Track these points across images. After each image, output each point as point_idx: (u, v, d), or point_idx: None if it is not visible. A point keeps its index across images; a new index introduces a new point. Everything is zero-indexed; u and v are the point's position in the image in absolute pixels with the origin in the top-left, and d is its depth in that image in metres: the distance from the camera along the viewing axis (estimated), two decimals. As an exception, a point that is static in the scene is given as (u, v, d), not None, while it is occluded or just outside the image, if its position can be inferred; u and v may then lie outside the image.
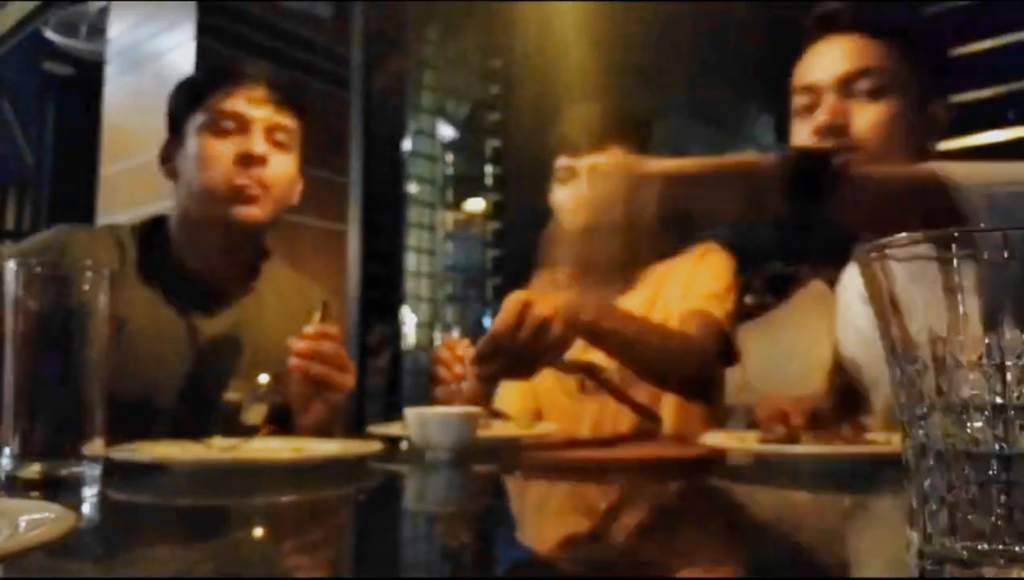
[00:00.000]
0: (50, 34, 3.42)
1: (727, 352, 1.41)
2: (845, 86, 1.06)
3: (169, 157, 1.28)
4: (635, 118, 1.60)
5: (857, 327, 1.25)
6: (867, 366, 1.26)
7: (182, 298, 1.25)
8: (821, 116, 1.06)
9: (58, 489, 0.64)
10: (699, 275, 1.48)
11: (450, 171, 3.24)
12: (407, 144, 3.12)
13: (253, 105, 1.22)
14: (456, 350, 1.35)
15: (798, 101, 1.12)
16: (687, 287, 1.48)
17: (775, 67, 1.28)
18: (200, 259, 1.28)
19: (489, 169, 3.16)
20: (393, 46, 3.09)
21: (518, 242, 2.95)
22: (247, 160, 1.20)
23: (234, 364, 1.24)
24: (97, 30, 3.23)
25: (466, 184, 3.22)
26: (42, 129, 4.25)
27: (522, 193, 2.96)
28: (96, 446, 0.68)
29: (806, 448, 0.79)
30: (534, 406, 1.55)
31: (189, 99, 1.26)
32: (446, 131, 3.28)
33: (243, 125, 1.22)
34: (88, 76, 3.21)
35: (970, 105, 1.83)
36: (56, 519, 0.39)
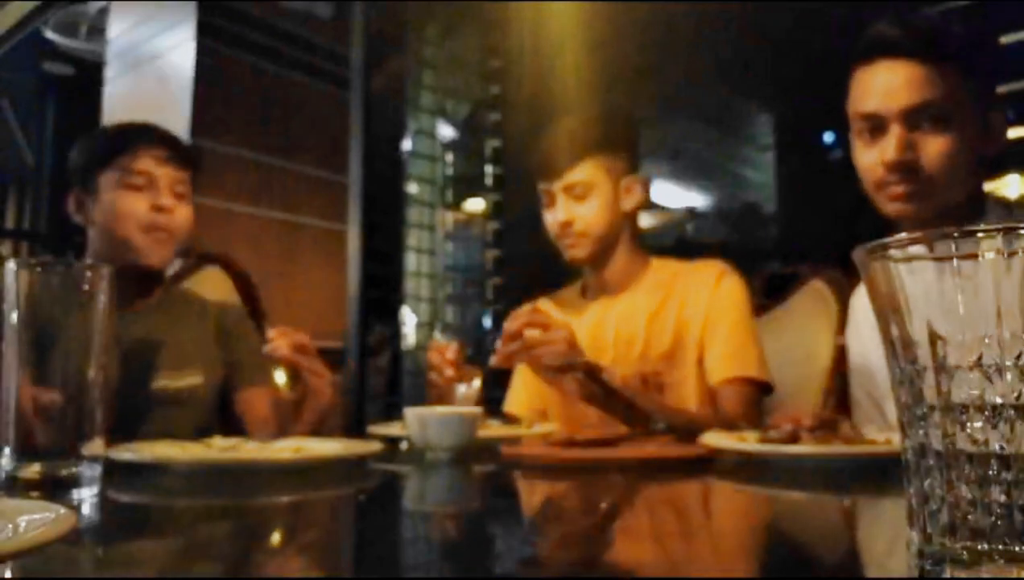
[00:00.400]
0: (50, 34, 3.43)
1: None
2: (910, 118, 1.06)
3: (81, 207, 1.46)
4: (618, 125, 1.59)
5: (875, 328, 1.25)
6: (882, 373, 1.25)
7: None
8: (891, 152, 1.06)
9: (58, 489, 0.64)
10: (721, 306, 1.46)
11: (450, 171, 3.24)
12: (407, 144, 3.12)
13: (158, 165, 1.42)
14: (445, 354, 1.36)
15: (859, 126, 1.12)
16: (710, 317, 1.46)
17: (775, 67, 1.28)
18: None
19: (489, 169, 3.16)
20: (393, 46, 3.09)
21: (518, 242, 2.96)
22: (159, 210, 1.40)
23: (155, 361, 1.41)
24: (97, 30, 3.23)
25: (466, 184, 3.22)
26: (42, 129, 4.25)
27: (522, 193, 2.96)
28: (96, 446, 0.68)
29: (804, 448, 0.79)
30: (540, 406, 1.55)
31: (99, 157, 1.44)
32: (446, 131, 3.29)
33: (151, 182, 1.41)
34: (88, 76, 3.22)
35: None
36: (56, 519, 0.39)
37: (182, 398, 1.38)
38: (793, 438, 0.81)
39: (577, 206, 1.47)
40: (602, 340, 1.50)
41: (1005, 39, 1.78)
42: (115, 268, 1.37)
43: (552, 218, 1.51)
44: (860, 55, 1.11)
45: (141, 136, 1.45)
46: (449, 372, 1.34)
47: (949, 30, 1.09)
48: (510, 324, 1.23)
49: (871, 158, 1.10)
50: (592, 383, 1.27)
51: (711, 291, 1.47)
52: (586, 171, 1.47)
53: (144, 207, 1.39)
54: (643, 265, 1.56)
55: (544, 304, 1.65)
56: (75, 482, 0.65)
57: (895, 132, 1.06)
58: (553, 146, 1.53)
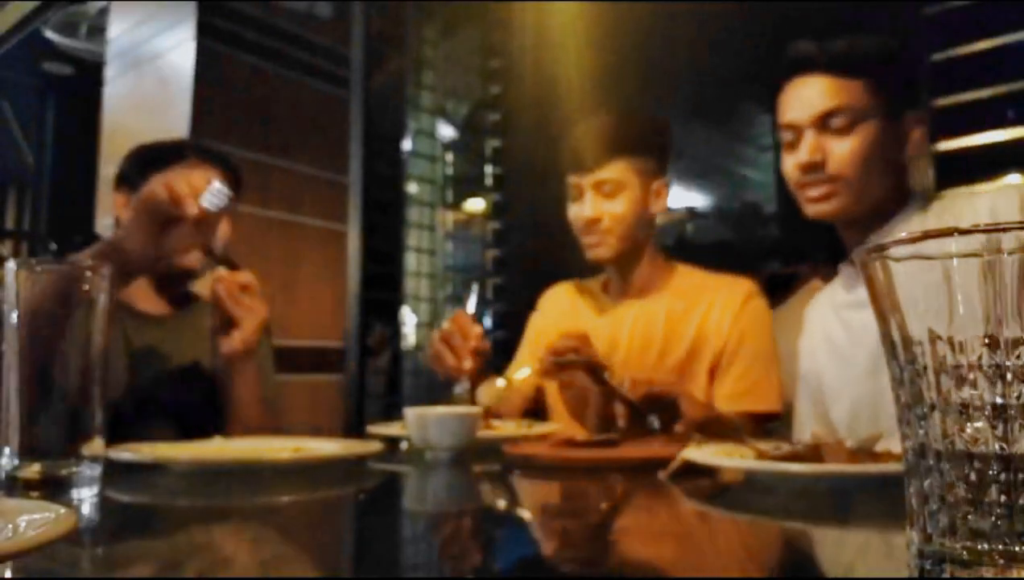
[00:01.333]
0: (50, 34, 3.42)
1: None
2: (821, 123, 1.19)
3: (127, 205, 1.48)
4: (653, 127, 1.59)
5: (830, 338, 1.28)
6: (832, 378, 1.27)
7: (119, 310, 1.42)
8: (803, 154, 1.19)
9: (58, 489, 0.64)
10: (745, 331, 1.46)
11: (450, 171, 3.24)
12: (407, 144, 3.12)
13: (203, 179, 1.41)
14: (467, 330, 1.32)
15: (783, 136, 1.25)
16: (731, 340, 1.45)
17: (775, 67, 1.30)
18: (138, 291, 1.47)
19: (489, 169, 3.16)
20: (393, 46, 3.09)
21: (518, 242, 2.95)
22: (198, 225, 1.39)
23: (162, 372, 1.41)
24: (97, 30, 3.23)
25: (466, 184, 3.21)
26: (42, 129, 4.25)
27: (522, 193, 2.96)
28: (96, 446, 0.68)
29: (795, 467, 0.72)
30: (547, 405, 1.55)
31: (155, 161, 1.47)
32: (446, 131, 3.28)
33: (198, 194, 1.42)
34: (88, 76, 3.22)
35: (970, 105, 1.83)
36: (56, 519, 0.39)
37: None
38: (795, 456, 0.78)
39: (606, 203, 1.46)
40: (617, 341, 1.49)
41: (1005, 39, 1.78)
42: (152, 271, 1.41)
43: (578, 212, 1.49)
44: (783, 72, 1.25)
45: (197, 148, 1.50)
46: (468, 364, 1.31)
47: (859, 48, 1.21)
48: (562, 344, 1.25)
49: (790, 163, 1.23)
50: (593, 380, 1.26)
51: (736, 312, 1.47)
52: (618, 169, 1.47)
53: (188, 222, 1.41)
54: (668, 271, 1.56)
55: (566, 288, 1.65)
56: (75, 482, 0.65)
57: (807, 137, 1.20)
58: (587, 140, 1.51)
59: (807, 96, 1.20)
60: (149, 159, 1.50)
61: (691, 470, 0.76)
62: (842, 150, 1.18)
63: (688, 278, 1.55)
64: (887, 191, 1.22)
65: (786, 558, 0.51)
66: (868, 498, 0.65)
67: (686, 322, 1.48)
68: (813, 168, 1.19)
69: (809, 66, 1.21)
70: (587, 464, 0.93)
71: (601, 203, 1.46)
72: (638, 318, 1.50)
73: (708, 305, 1.49)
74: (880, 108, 1.18)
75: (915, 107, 1.24)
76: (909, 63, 1.32)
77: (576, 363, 1.26)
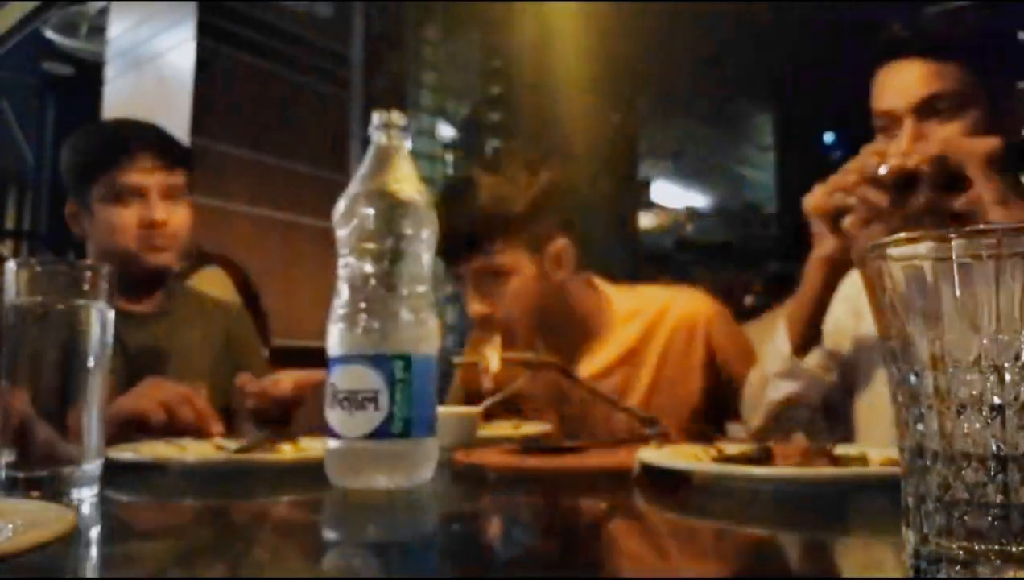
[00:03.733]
0: (50, 34, 3.43)
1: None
2: (922, 111, 1.13)
3: (76, 220, 1.44)
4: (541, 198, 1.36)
5: (837, 324, 1.26)
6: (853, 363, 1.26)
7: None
8: (905, 142, 1.12)
9: (58, 489, 0.64)
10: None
11: (450, 171, 3.24)
12: (407, 144, 3.12)
13: (147, 175, 1.38)
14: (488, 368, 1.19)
15: (878, 123, 1.18)
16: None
17: (775, 67, 1.29)
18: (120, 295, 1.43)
19: (489, 169, 3.15)
20: (393, 46, 3.09)
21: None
22: (148, 225, 1.38)
23: (161, 370, 1.37)
24: (97, 30, 3.23)
25: (466, 184, 3.21)
26: (42, 129, 4.25)
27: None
28: (96, 446, 0.68)
29: (759, 471, 0.70)
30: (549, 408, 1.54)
31: (85, 174, 1.40)
32: (446, 131, 3.28)
33: (141, 192, 1.38)
34: (88, 76, 3.22)
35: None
36: (56, 519, 0.39)
37: None
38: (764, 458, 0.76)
39: (497, 292, 1.32)
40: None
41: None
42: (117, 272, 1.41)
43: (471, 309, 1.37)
44: (878, 58, 1.18)
45: (127, 143, 1.39)
46: (487, 384, 1.21)
47: (955, 28, 1.17)
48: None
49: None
50: (564, 380, 1.26)
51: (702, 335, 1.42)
52: (503, 255, 1.31)
53: (135, 222, 1.36)
54: (605, 304, 1.46)
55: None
56: (75, 482, 0.65)
57: (907, 125, 1.13)
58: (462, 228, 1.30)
59: (904, 82, 1.14)
60: (85, 161, 1.42)
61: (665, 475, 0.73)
62: (946, 136, 1.11)
63: (624, 301, 1.47)
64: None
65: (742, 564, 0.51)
66: (820, 500, 0.65)
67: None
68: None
69: (902, 51, 1.15)
70: (540, 473, 0.86)
71: (492, 294, 1.32)
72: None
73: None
74: (978, 93, 1.12)
75: (1013, 88, 1.17)
76: (1008, 43, 1.24)
77: (548, 365, 1.25)
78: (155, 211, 1.37)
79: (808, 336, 1.21)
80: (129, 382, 1.32)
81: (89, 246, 1.44)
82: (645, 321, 1.43)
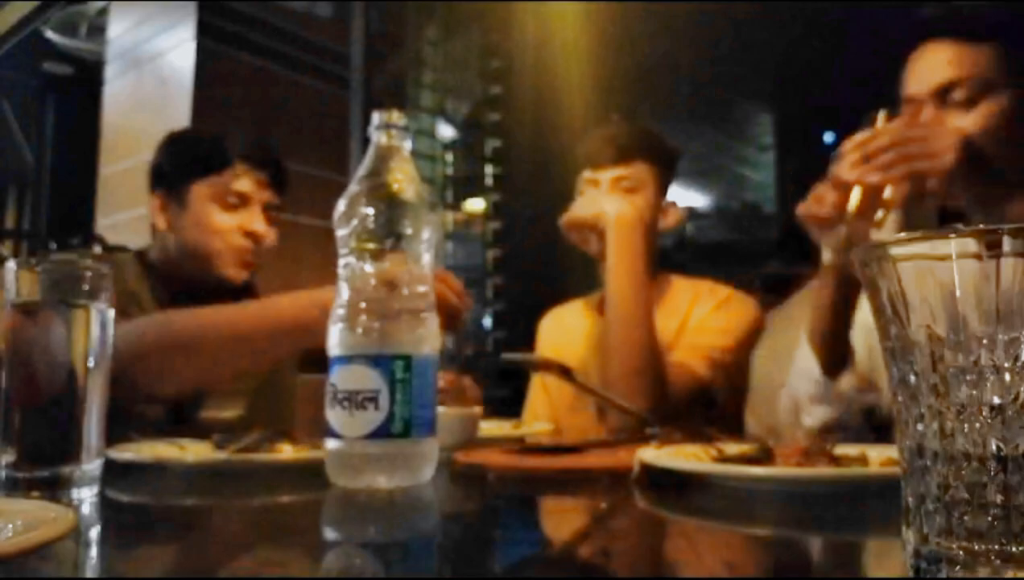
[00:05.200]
0: (50, 34, 3.43)
1: (704, 401, 1.41)
2: (941, 97, 1.08)
3: (164, 211, 1.41)
4: (666, 142, 1.60)
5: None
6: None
7: None
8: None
9: (58, 489, 0.64)
10: (711, 320, 1.48)
11: (450, 171, 3.24)
12: (407, 144, 3.12)
13: (257, 188, 1.41)
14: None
15: (904, 111, 1.14)
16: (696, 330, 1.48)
17: (775, 67, 1.29)
18: (179, 301, 1.40)
19: (489, 169, 3.16)
20: (393, 46, 3.09)
21: (518, 242, 2.95)
22: (252, 236, 1.40)
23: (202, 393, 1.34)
24: (97, 30, 3.23)
25: (466, 184, 3.22)
26: (42, 129, 4.25)
27: (522, 193, 2.96)
28: (96, 446, 0.68)
29: (759, 471, 0.70)
30: (552, 414, 1.54)
31: (191, 169, 1.40)
32: (446, 131, 3.29)
33: (246, 201, 1.40)
34: (88, 76, 3.22)
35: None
36: (56, 519, 0.39)
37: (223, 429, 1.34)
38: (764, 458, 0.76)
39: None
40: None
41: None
42: (188, 281, 1.39)
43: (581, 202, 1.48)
44: (908, 43, 1.14)
45: (242, 152, 1.41)
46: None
47: (984, 11, 1.10)
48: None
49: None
50: (567, 383, 1.25)
51: (712, 310, 1.49)
52: (640, 170, 1.49)
53: (236, 226, 1.37)
54: (664, 284, 1.56)
55: (559, 315, 1.65)
56: (75, 482, 0.65)
57: (927, 113, 1.09)
58: (611, 139, 1.52)
59: (926, 68, 1.10)
60: (191, 163, 1.41)
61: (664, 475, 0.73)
62: (964, 125, 1.06)
63: (680, 289, 1.55)
64: (1012, 173, 1.08)
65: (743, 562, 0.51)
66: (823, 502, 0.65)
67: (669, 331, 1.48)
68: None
69: (928, 34, 1.11)
70: (540, 473, 0.86)
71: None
72: None
73: (689, 305, 1.50)
74: (1005, 78, 1.07)
75: None
76: None
77: (549, 367, 1.25)
78: (257, 223, 1.40)
79: (837, 352, 1.16)
80: (176, 403, 1.28)
81: (163, 245, 1.42)
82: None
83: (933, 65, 1.10)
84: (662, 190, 1.53)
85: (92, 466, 0.67)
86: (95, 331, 0.69)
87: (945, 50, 1.09)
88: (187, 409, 1.30)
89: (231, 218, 1.38)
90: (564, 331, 1.61)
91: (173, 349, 1.11)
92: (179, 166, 1.42)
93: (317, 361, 0.78)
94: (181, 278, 1.41)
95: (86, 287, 0.69)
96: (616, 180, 1.48)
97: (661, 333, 1.45)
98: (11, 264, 0.69)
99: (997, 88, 1.06)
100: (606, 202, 1.42)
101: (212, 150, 1.42)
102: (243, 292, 1.44)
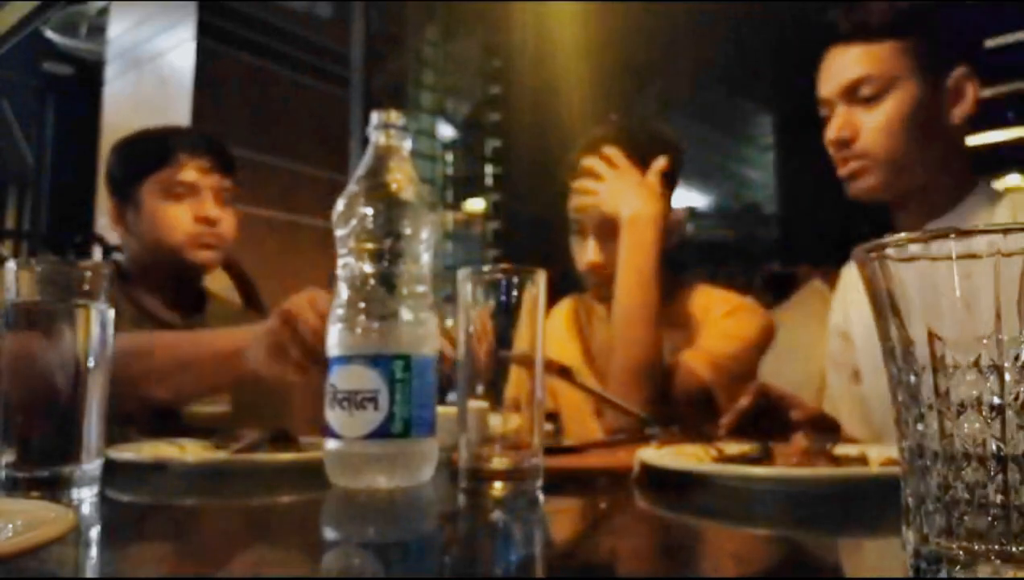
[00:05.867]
0: (50, 34, 3.43)
1: (705, 405, 1.41)
2: (849, 96, 1.12)
3: (121, 218, 1.46)
4: (667, 140, 1.56)
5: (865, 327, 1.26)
6: (867, 356, 1.26)
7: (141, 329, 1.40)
8: (831, 131, 1.14)
9: (58, 489, 0.64)
10: (720, 327, 1.47)
11: (450, 171, 3.24)
12: (407, 144, 3.12)
13: (203, 175, 1.43)
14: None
15: (822, 112, 1.19)
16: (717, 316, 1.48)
17: (775, 67, 1.30)
18: (154, 298, 1.45)
19: (489, 169, 3.16)
20: (393, 46, 3.09)
21: (518, 242, 2.95)
22: (204, 221, 1.42)
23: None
24: (97, 30, 3.24)
25: (466, 184, 3.22)
26: (42, 129, 4.25)
27: (522, 193, 2.96)
28: (96, 446, 0.68)
29: (759, 471, 0.70)
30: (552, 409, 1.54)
31: (137, 171, 1.43)
32: (446, 131, 3.28)
33: (195, 190, 1.42)
34: (88, 76, 3.22)
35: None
36: (56, 519, 0.39)
37: (209, 425, 1.27)
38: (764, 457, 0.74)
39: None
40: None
41: (1005, 39, 1.78)
42: (165, 282, 1.42)
43: (581, 248, 1.49)
44: (818, 46, 1.19)
45: (183, 144, 1.44)
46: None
47: (883, 8, 1.13)
48: None
49: (826, 138, 1.17)
50: (568, 384, 1.26)
51: (721, 317, 1.48)
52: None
53: (189, 217, 1.40)
54: (679, 288, 1.56)
55: (564, 312, 1.64)
56: (75, 482, 0.65)
57: (838, 113, 1.14)
58: (607, 142, 1.49)
59: (835, 68, 1.15)
60: (137, 161, 1.45)
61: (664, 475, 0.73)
62: (872, 122, 1.10)
63: (694, 297, 1.54)
64: (937, 163, 1.12)
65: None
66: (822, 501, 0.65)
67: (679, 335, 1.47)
68: (841, 145, 1.13)
69: (834, 37, 1.15)
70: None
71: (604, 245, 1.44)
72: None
73: (702, 311, 1.50)
74: (915, 70, 1.10)
75: (963, 61, 1.13)
76: (948, 14, 1.22)
77: (550, 364, 1.25)
78: (209, 208, 1.41)
79: None
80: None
81: (131, 250, 1.47)
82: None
83: (841, 66, 1.14)
84: (667, 199, 1.50)
85: (92, 466, 0.67)
86: (95, 331, 0.69)
87: (851, 50, 1.13)
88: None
89: (182, 208, 1.40)
90: (553, 331, 1.60)
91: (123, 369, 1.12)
92: (126, 170, 1.46)
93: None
94: (155, 276, 1.45)
95: (86, 287, 0.69)
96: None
97: (671, 336, 1.45)
98: (11, 264, 0.69)
99: (901, 81, 1.10)
100: (625, 196, 1.40)
101: (153, 148, 1.45)
102: (198, 286, 1.49)
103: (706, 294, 1.56)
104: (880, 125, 1.10)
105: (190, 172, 1.41)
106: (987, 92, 1.81)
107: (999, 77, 1.79)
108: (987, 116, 1.81)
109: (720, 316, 1.49)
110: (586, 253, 1.48)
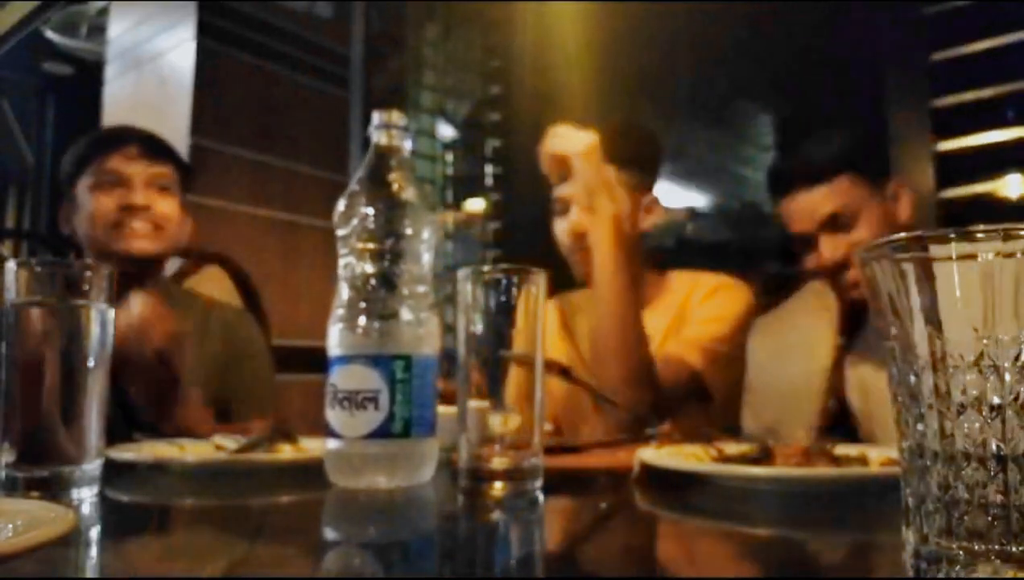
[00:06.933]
0: (50, 34, 3.42)
1: (699, 394, 1.42)
2: (830, 227, 1.30)
3: (68, 220, 1.45)
4: (636, 138, 1.58)
5: None
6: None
7: None
8: (827, 259, 1.31)
9: (58, 489, 0.64)
10: (703, 311, 1.49)
11: (450, 171, 3.24)
12: (407, 144, 3.12)
13: (129, 162, 1.41)
14: None
15: (797, 245, 1.37)
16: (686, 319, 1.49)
17: (775, 67, 1.31)
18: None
19: (489, 169, 3.16)
20: (393, 46, 3.09)
21: (518, 242, 2.95)
22: (130, 209, 1.39)
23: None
24: (97, 30, 3.23)
25: (466, 184, 3.21)
26: (42, 129, 4.25)
27: (522, 193, 2.96)
28: (95, 446, 0.68)
29: (762, 471, 0.70)
30: (553, 413, 1.54)
31: (76, 165, 1.44)
32: (446, 131, 3.28)
33: (124, 180, 1.40)
34: (88, 76, 3.21)
35: (970, 105, 1.83)
36: (56, 519, 0.39)
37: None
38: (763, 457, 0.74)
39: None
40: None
41: (1005, 39, 1.78)
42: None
43: (562, 227, 1.48)
44: (776, 192, 1.38)
45: (114, 139, 1.44)
46: None
47: (825, 152, 1.33)
48: None
49: (816, 263, 1.35)
50: (564, 380, 1.26)
51: (703, 298, 1.50)
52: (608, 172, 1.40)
53: (114, 206, 1.38)
54: (660, 284, 1.57)
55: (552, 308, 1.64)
56: (75, 482, 0.65)
57: (823, 241, 1.31)
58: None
59: (807, 207, 1.31)
60: (75, 159, 1.45)
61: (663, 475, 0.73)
62: (858, 240, 1.27)
63: (678, 284, 1.55)
64: None
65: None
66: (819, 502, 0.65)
67: (664, 326, 1.49)
68: (841, 268, 1.31)
69: (792, 181, 1.33)
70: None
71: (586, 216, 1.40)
72: None
73: (684, 298, 1.51)
74: (869, 191, 1.31)
75: (888, 176, 1.36)
76: (879, 147, 1.47)
77: (549, 363, 1.25)
78: (135, 196, 1.39)
79: None
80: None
81: (81, 246, 1.45)
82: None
83: (811, 205, 1.31)
84: (641, 190, 1.50)
85: (92, 466, 0.67)
86: (95, 331, 0.69)
87: (814, 192, 1.30)
88: (136, 415, 1.29)
89: (111, 198, 1.39)
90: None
91: None
92: (67, 171, 1.46)
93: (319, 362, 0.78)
94: None
95: (86, 287, 0.69)
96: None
97: (656, 328, 1.45)
98: (11, 264, 0.69)
99: (865, 203, 1.30)
100: (586, 197, 1.38)
101: (86, 146, 1.45)
102: (146, 271, 1.43)
103: (688, 279, 1.56)
104: (865, 242, 1.22)
105: (116, 160, 1.40)
106: (987, 92, 1.81)
107: (999, 77, 1.79)
108: (987, 116, 1.81)
109: (702, 299, 1.50)
110: (567, 226, 1.47)
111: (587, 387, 1.28)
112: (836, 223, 1.30)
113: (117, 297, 1.35)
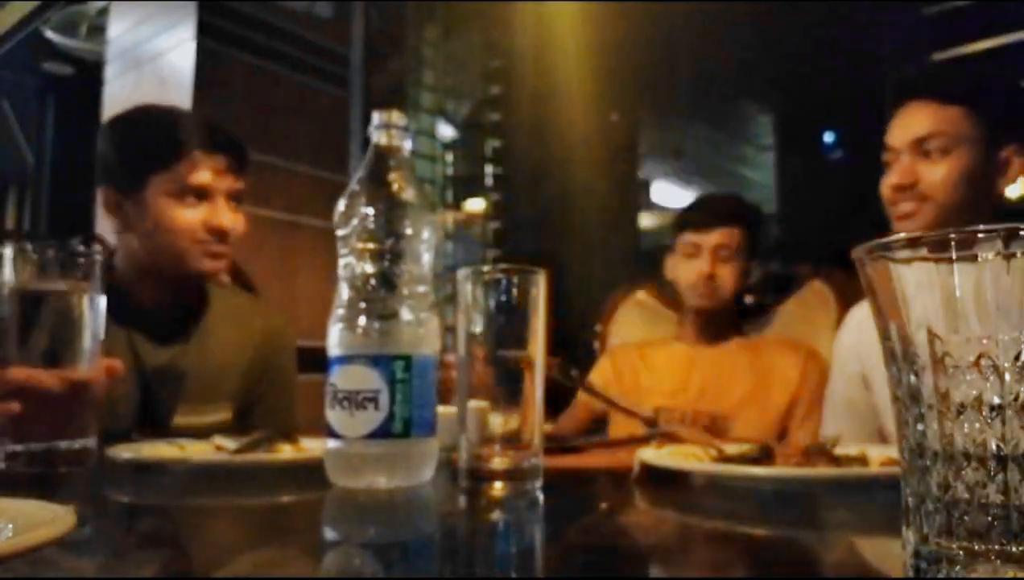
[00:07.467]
0: (50, 34, 3.42)
1: None
2: (917, 148, 1.23)
3: (119, 209, 1.30)
4: (748, 205, 1.81)
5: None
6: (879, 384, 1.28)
7: (128, 328, 1.28)
8: (894, 176, 1.24)
9: (58, 489, 0.64)
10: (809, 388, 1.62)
11: (450, 171, 3.24)
12: (407, 144, 3.12)
13: (218, 177, 1.29)
14: None
15: (885, 159, 1.29)
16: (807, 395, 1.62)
17: (775, 67, 1.31)
18: (148, 298, 1.32)
19: (489, 169, 3.15)
20: (393, 46, 3.09)
21: (518, 242, 2.95)
22: (215, 232, 1.28)
23: (178, 393, 1.28)
24: (97, 30, 3.23)
25: (466, 184, 3.21)
26: (42, 129, 4.25)
27: (522, 193, 2.96)
28: (95, 445, 0.68)
29: (758, 470, 0.70)
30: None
31: (143, 163, 1.28)
32: (446, 131, 3.28)
33: (208, 194, 1.28)
34: (88, 76, 3.21)
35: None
36: (56, 519, 0.39)
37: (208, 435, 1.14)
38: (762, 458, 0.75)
39: (721, 265, 1.67)
40: (688, 381, 1.68)
41: (1005, 40, 1.78)
42: (163, 282, 1.31)
43: (693, 269, 1.68)
44: (891, 101, 1.31)
45: (196, 138, 1.29)
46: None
47: (961, 75, 1.26)
48: None
49: (886, 183, 1.27)
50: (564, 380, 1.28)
51: (801, 368, 1.63)
52: (735, 236, 1.68)
53: (200, 223, 1.27)
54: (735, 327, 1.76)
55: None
56: (69, 458, 0.65)
57: (902, 161, 1.24)
58: (711, 206, 1.76)
59: (906, 122, 1.26)
60: (143, 152, 1.29)
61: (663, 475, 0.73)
62: (933, 175, 1.21)
63: (751, 335, 1.76)
64: (977, 218, 1.18)
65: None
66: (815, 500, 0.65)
67: (752, 370, 1.66)
68: (902, 189, 1.24)
69: (910, 93, 1.27)
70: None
71: (717, 264, 1.68)
72: (711, 362, 1.70)
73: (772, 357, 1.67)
74: (977, 137, 1.21)
75: (1013, 143, 1.25)
76: (1013, 94, 1.34)
77: (570, 381, 1.31)
78: (223, 217, 1.28)
79: None
80: (143, 406, 1.23)
81: (127, 246, 1.33)
82: None
83: (912, 120, 1.24)
84: (749, 254, 1.71)
85: (86, 441, 0.67)
86: (87, 316, 0.69)
87: (923, 108, 1.24)
88: (156, 414, 1.25)
89: (194, 213, 1.26)
90: (651, 368, 1.76)
91: None
92: (130, 160, 1.30)
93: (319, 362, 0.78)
94: (151, 275, 1.32)
95: (79, 274, 0.69)
96: (717, 248, 1.66)
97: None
98: (7, 250, 0.69)
99: (964, 144, 1.22)
100: None
101: (165, 139, 1.28)
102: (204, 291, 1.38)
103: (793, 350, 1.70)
104: (941, 177, 1.20)
105: (204, 174, 1.27)
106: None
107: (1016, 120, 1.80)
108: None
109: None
110: (695, 268, 1.68)
111: (604, 398, 1.33)
112: (924, 148, 1.22)
113: (169, 314, 1.29)
